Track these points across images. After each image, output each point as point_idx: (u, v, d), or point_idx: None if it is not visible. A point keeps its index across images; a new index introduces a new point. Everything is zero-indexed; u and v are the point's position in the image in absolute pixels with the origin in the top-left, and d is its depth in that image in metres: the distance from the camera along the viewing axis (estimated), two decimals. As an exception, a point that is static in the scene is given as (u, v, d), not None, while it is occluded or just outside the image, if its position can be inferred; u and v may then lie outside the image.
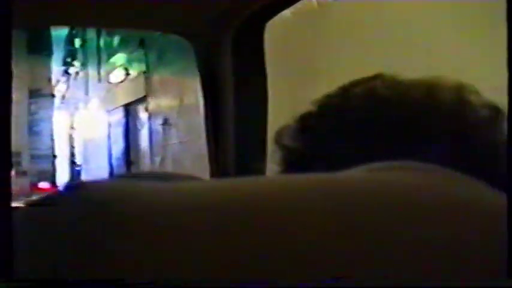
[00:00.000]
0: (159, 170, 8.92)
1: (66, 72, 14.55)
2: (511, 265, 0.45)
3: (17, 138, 10.42)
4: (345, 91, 0.69)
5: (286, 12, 1.52)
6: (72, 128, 15.25)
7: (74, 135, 15.60)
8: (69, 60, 14.59)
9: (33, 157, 10.80)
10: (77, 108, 15.24)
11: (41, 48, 11.15)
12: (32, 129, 10.84)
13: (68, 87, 14.79)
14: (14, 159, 9.90)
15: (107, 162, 13.49)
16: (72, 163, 16.00)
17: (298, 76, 3.84)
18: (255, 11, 1.52)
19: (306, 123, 0.70)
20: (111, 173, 13.05)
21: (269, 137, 1.58)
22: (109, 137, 13.45)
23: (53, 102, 12.23)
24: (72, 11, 1.57)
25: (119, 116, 12.69)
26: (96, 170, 14.08)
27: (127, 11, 1.51)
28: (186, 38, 1.68)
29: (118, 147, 12.88)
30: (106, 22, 1.85)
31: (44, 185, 10.79)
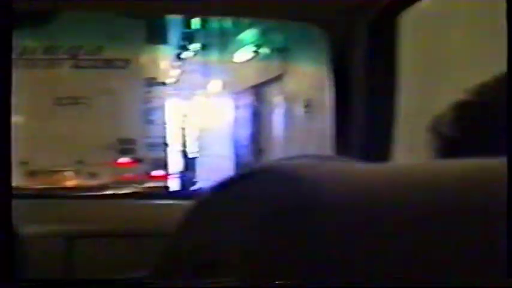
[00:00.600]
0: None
1: (181, 58, 14.60)
2: (511, 265, 0.47)
3: (132, 126, 10.54)
4: (499, 81, 0.71)
5: (421, 3, 1.53)
6: (185, 116, 15.37)
7: (188, 122, 15.67)
8: (185, 44, 14.63)
9: (148, 145, 10.73)
10: (194, 93, 15.23)
11: (157, 36, 11.24)
12: (147, 118, 10.84)
13: (184, 72, 14.83)
14: (128, 147, 10.15)
15: (229, 149, 13.17)
16: (185, 151, 16.17)
17: (429, 69, 3.77)
18: (391, 0, 1.54)
19: (464, 112, 0.73)
20: (237, 162, 12.81)
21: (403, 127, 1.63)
22: (235, 122, 13.10)
23: (167, 90, 12.33)
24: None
25: (245, 99, 12.34)
26: (215, 158, 13.90)
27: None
28: (320, 26, 1.71)
29: (244, 133, 12.53)
30: (237, 11, 1.89)
31: (157, 172, 10.87)
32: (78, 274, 2.18)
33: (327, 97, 1.90)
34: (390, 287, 0.48)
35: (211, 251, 0.65)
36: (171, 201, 2.59)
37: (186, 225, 0.76)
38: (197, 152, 15.85)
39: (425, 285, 0.49)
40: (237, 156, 12.86)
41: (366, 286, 0.48)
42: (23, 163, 9.74)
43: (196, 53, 14.64)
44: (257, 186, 0.65)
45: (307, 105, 8.25)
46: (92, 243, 2.26)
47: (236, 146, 13.22)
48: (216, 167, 13.85)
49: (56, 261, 2.20)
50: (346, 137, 1.77)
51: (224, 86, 13.57)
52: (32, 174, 9.83)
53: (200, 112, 15.34)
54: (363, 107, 1.69)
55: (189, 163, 15.92)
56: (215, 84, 14.18)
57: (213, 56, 13.84)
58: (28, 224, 2.21)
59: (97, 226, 2.33)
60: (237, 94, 12.80)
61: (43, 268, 2.17)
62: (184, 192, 11.21)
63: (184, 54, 14.77)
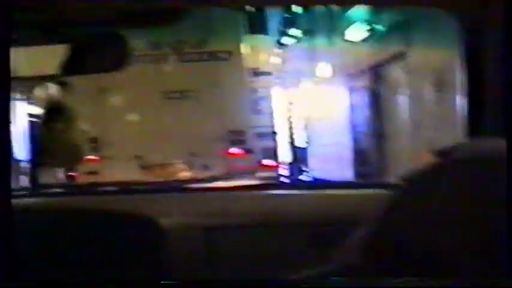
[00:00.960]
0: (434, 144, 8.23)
1: (284, 45, 14.50)
2: (511, 265, 0.56)
3: (240, 117, 10.59)
4: None
5: None
6: (291, 103, 15.31)
7: (296, 110, 15.56)
8: (288, 30, 14.52)
9: (257, 135, 10.76)
10: (301, 80, 15.08)
11: (258, 26, 11.28)
12: (254, 108, 10.88)
13: (289, 59, 14.72)
14: (238, 138, 10.23)
15: (343, 137, 12.89)
16: (294, 140, 16.07)
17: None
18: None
19: None
20: (356, 148, 12.53)
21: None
22: (350, 107, 12.75)
23: (272, 79, 12.32)
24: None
25: (360, 81, 12.01)
26: (328, 146, 13.66)
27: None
28: (451, 12, 1.72)
29: (361, 118, 12.20)
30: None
31: (268, 162, 10.91)
32: (217, 265, 2.24)
33: (458, 77, 1.82)
34: (390, 287, 0.48)
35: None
36: (297, 191, 2.67)
37: (388, 219, 0.80)
38: (307, 140, 15.74)
39: (425, 285, 0.49)
40: (355, 143, 12.60)
41: (366, 286, 0.49)
42: (137, 157, 9.99)
43: (300, 38, 14.50)
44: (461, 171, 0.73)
45: (438, 85, 7.89)
46: (229, 234, 2.29)
47: (353, 132, 12.89)
48: (328, 156, 13.67)
49: (195, 253, 2.26)
50: (480, 119, 1.75)
51: (334, 69, 13.32)
52: (146, 167, 10.04)
53: (309, 99, 15.15)
54: (498, 87, 1.66)
55: (300, 152, 15.83)
56: (324, 68, 13.93)
57: (319, 40, 13.64)
58: (166, 217, 2.28)
59: (233, 218, 2.36)
60: (350, 76, 12.51)
61: (184, 259, 2.24)
62: (313, 182, 11.20)
63: (287, 41, 14.68)
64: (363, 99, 11.97)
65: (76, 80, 9.02)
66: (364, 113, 11.99)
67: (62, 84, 9.35)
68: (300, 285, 1.05)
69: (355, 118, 12.56)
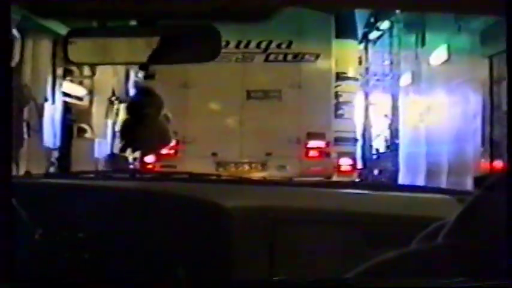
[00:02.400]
0: None
1: (370, 50, 14.30)
2: (511, 265, 0.59)
3: (321, 120, 10.45)
4: None
5: None
6: (374, 108, 15.15)
7: (378, 116, 15.35)
8: (375, 35, 14.34)
9: (337, 140, 10.68)
10: (395, 86, 14.78)
11: (346, 30, 11.12)
12: (336, 112, 10.81)
13: (372, 65, 14.53)
14: (317, 140, 10.09)
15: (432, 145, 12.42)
16: (374, 146, 15.84)
17: None
18: None
19: None
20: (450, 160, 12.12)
21: None
22: (454, 115, 12.23)
23: (357, 84, 12.22)
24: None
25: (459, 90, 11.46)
26: (413, 154, 13.27)
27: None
28: None
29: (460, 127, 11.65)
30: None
31: (346, 167, 10.86)
32: (281, 257, 2.25)
33: None
34: (389, 286, 0.50)
35: None
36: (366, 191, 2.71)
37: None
38: (388, 147, 15.56)
39: (425, 285, 0.52)
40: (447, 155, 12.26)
41: (365, 286, 0.50)
42: (214, 154, 10.01)
43: (387, 46, 14.33)
44: None
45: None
46: (295, 228, 2.31)
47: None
48: (414, 163, 13.34)
49: (259, 241, 2.27)
50: None
51: (423, 78, 13.05)
52: (220, 164, 10.06)
53: (398, 106, 14.92)
54: None
55: (381, 158, 15.64)
56: (408, 77, 13.73)
57: (407, 44, 13.39)
58: (235, 204, 2.33)
59: (300, 211, 2.38)
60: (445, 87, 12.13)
61: (245, 245, 2.28)
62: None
63: (374, 48, 14.53)
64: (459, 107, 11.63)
65: (163, 73, 9.13)
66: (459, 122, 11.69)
67: (150, 77, 9.48)
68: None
69: (455, 127, 12.20)
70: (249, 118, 10.25)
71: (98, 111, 12.05)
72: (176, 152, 10.03)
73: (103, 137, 12.01)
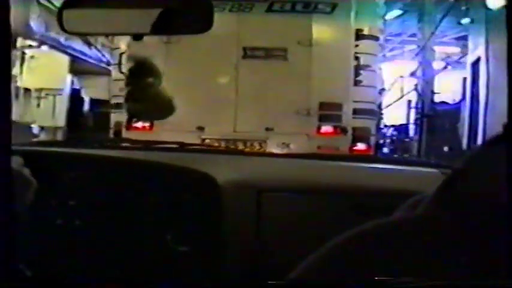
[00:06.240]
0: None
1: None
2: (511, 265, 0.55)
3: (337, 88, 8.96)
4: None
5: None
6: (401, 76, 14.11)
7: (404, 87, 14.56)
8: None
9: (355, 112, 9.12)
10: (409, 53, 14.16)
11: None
12: (355, 78, 9.18)
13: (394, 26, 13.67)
14: (331, 113, 8.37)
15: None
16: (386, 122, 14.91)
17: None
18: None
19: None
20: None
21: None
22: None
23: (379, 46, 10.37)
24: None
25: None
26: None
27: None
28: None
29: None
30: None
31: (362, 146, 9.23)
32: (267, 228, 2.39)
33: None
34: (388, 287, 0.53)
35: None
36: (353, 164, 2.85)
37: None
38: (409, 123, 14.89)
39: (425, 285, 0.57)
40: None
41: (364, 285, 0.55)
42: (199, 128, 8.63)
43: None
44: None
45: None
46: (281, 197, 2.45)
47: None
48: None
49: (246, 212, 2.40)
50: None
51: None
52: (208, 142, 8.34)
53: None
54: None
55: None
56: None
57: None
58: (225, 175, 2.45)
59: (286, 182, 2.52)
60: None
61: (233, 216, 2.39)
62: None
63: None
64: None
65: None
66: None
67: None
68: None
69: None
70: (246, 83, 8.72)
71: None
72: (152, 126, 8.64)
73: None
